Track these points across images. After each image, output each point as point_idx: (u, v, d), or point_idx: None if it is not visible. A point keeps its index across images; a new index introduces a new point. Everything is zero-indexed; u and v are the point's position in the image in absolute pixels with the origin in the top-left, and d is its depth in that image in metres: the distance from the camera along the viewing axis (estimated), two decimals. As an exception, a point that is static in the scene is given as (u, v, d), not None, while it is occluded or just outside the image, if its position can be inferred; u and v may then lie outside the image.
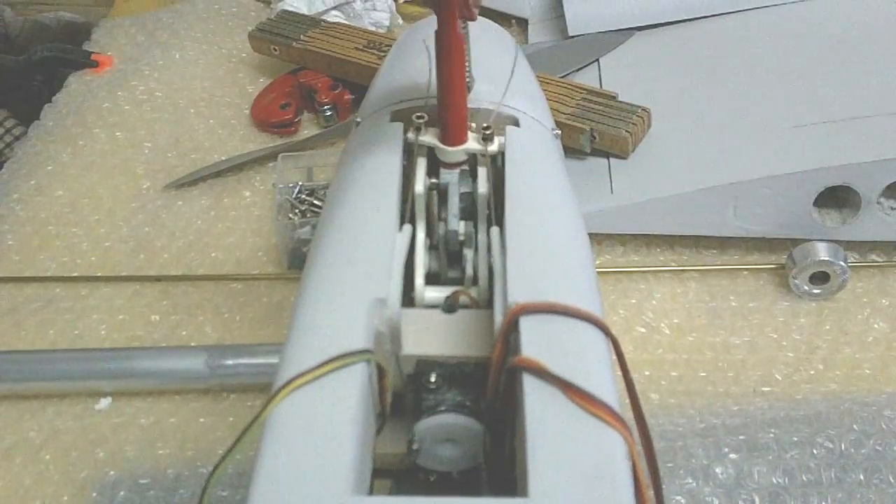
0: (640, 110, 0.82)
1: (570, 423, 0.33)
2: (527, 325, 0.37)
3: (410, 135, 0.46)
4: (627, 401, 0.38)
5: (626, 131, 0.80)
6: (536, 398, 0.34)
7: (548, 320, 0.37)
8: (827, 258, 0.71)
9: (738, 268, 0.76)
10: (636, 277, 0.76)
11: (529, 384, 0.34)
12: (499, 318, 0.38)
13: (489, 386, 0.38)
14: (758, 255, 0.77)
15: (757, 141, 0.78)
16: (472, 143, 0.46)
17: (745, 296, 0.74)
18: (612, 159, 0.81)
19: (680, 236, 0.78)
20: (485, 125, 0.46)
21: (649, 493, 0.34)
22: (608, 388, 0.35)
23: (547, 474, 0.31)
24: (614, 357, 0.38)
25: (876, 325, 0.71)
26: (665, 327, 0.72)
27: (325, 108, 0.94)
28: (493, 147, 0.46)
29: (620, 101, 0.84)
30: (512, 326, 0.37)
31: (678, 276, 0.76)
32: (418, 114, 0.47)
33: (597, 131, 0.81)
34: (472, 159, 0.47)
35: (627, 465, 0.33)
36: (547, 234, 0.43)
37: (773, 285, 0.75)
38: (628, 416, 0.36)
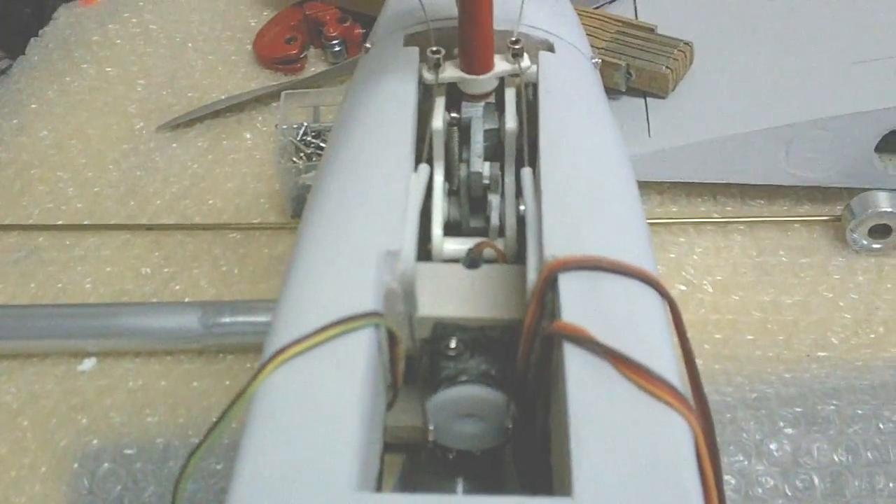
0: (681, 44, 0.77)
1: (624, 405, 0.29)
2: (567, 283, 0.32)
3: (428, 74, 0.42)
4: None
5: (667, 67, 0.75)
6: (581, 373, 0.29)
7: (592, 278, 0.33)
8: (889, 209, 0.68)
9: (789, 219, 0.72)
10: (675, 230, 0.72)
11: (572, 355, 0.30)
12: (532, 275, 0.34)
13: (520, 355, 0.34)
14: (810, 206, 0.74)
15: (812, 79, 0.73)
16: (502, 65, 0.42)
17: (796, 250, 0.70)
18: (649, 99, 0.77)
19: (724, 185, 0.74)
20: (513, 39, 0.42)
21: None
22: (668, 362, 0.31)
23: (595, 468, 0.27)
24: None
25: (942, 283, 0.67)
26: (708, 285, 0.68)
27: (334, 42, 0.91)
28: (524, 64, 0.42)
29: (659, 35, 0.79)
30: (548, 285, 0.33)
31: (722, 229, 0.72)
32: (433, 48, 0.42)
33: (633, 67, 0.76)
34: (499, 91, 0.43)
35: (693, 458, 0.28)
36: (589, 176, 0.38)
37: (828, 239, 0.71)
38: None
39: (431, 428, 0.34)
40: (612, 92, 0.77)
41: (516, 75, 0.42)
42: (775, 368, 0.62)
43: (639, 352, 0.30)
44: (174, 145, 0.83)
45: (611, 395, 0.29)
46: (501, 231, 0.40)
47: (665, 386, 0.29)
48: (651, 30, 0.79)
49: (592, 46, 0.75)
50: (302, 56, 0.91)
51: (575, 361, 0.30)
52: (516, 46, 0.42)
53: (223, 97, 0.87)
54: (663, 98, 0.76)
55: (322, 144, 0.77)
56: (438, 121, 0.40)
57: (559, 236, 0.34)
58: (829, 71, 0.74)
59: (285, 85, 0.87)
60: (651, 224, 0.71)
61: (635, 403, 0.29)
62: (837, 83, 0.72)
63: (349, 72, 0.87)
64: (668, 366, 0.30)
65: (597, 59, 0.51)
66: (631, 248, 0.35)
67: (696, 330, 0.65)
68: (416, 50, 0.44)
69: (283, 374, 0.30)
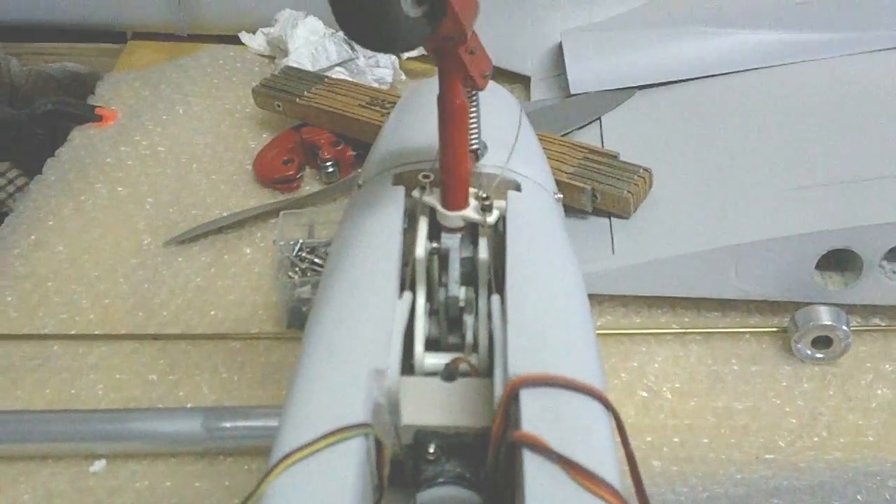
0: (641, 170, 0.82)
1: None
2: (527, 397, 0.36)
3: (415, 193, 0.46)
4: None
5: (628, 191, 0.80)
6: (537, 476, 0.34)
7: (548, 393, 0.37)
8: (829, 322, 0.71)
9: (741, 331, 0.76)
10: (638, 340, 0.76)
11: (530, 460, 0.34)
12: (499, 389, 0.38)
13: (489, 459, 0.38)
14: (760, 318, 0.77)
15: (758, 202, 0.78)
16: (471, 213, 0.46)
17: (747, 359, 0.74)
18: (613, 219, 0.81)
19: (682, 298, 0.78)
20: (484, 195, 0.46)
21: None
22: (610, 466, 0.35)
23: None
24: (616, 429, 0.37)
25: (879, 391, 0.71)
26: (667, 391, 0.72)
27: (328, 164, 0.95)
28: (491, 218, 0.46)
29: (622, 161, 0.84)
30: (512, 398, 0.37)
31: (680, 339, 0.76)
32: (424, 172, 0.47)
33: (598, 191, 0.81)
34: (473, 225, 0.47)
35: None
36: (548, 303, 0.43)
37: (776, 349, 0.74)
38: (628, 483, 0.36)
39: None
40: (579, 212, 0.81)
41: (482, 224, 0.45)
42: (727, 470, 0.65)
43: (586, 458, 0.34)
44: (179, 259, 0.86)
45: (561, 496, 0.33)
46: (475, 347, 0.43)
47: (607, 487, 0.33)
48: (614, 157, 0.85)
49: (561, 171, 0.82)
50: (298, 176, 0.95)
51: (532, 465, 0.34)
52: (486, 202, 0.46)
53: (225, 214, 0.90)
54: (626, 219, 0.80)
55: (316, 260, 0.80)
56: (421, 250, 0.44)
57: (521, 356, 0.38)
58: (773, 195, 0.78)
59: (282, 203, 0.90)
60: (616, 335, 0.76)
61: (582, 503, 0.33)
62: (781, 207, 0.76)
63: (342, 191, 0.92)
64: (611, 470, 0.34)
65: (559, 195, 0.55)
66: (582, 366, 0.39)
67: (656, 434, 0.68)
68: (402, 189, 0.48)
69: (287, 476, 0.34)
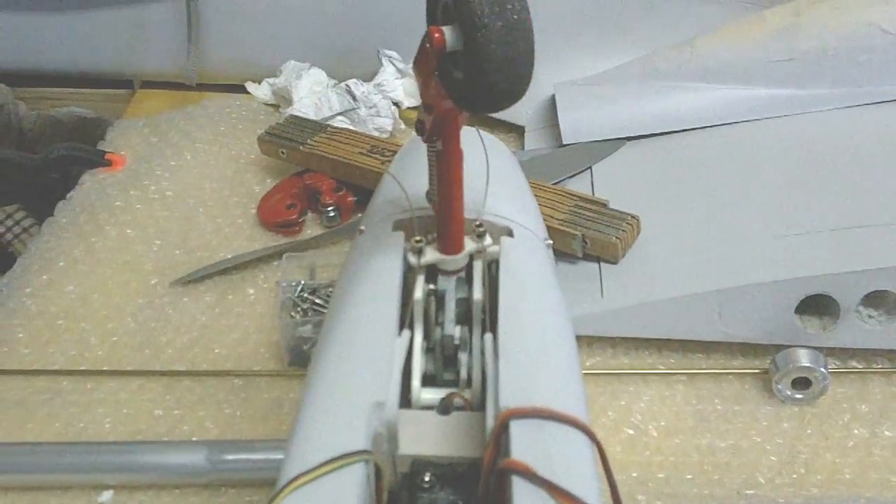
0: (629, 217, 0.85)
1: None
2: (516, 428, 0.39)
3: (412, 258, 0.49)
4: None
5: (616, 237, 0.83)
6: (525, 500, 0.36)
7: (536, 424, 0.39)
8: (808, 364, 0.74)
9: (724, 372, 0.78)
10: (625, 379, 0.78)
11: (518, 486, 0.36)
12: (490, 421, 0.40)
13: (480, 486, 0.40)
14: (743, 360, 0.80)
15: (741, 249, 0.81)
16: (469, 244, 0.49)
17: (730, 399, 0.76)
18: (602, 264, 0.84)
19: (668, 340, 0.80)
20: (477, 223, 0.49)
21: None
22: (591, 490, 0.37)
23: None
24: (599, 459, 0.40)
25: (856, 431, 0.73)
26: (653, 429, 0.74)
27: (329, 209, 0.97)
28: (487, 242, 0.49)
29: (611, 209, 0.87)
30: (502, 429, 0.39)
31: (666, 380, 0.78)
32: (416, 238, 0.49)
33: (588, 237, 0.84)
34: (468, 268, 0.50)
35: None
36: (537, 341, 0.45)
37: (758, 389, 0.77)
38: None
39: None
40: (570, 257, 0.84)
41: (481, 251, 0.49)
42: None
43: (569, 483, 0.36)
44: (185, 299, 0.88)
45: None
46: (469, 383, 0.45)
47: None
48: (604, 204, 0.88)
49: (552, 217, 0.85)
50: (300, 220, 0.97)
51: (520, 490, 0.36)
52: (480, 229, 0.49)
53: (230, 256, 0.93)
54: (615, 264, 0.83)
55: (317, 300, 0.83)
56: (419, 292, 0.47)
57: (512, 390, 0.41)
58: (755, 243, 0.81)
59: (285, 246, 0.93)
60: (604, 374, 0.78)
61: None
62: (762, 254, 0.79)
63: (343, 235, 0.96)
64: (593, 494, 0.37)
65: (549, 241, 0.58)
66: (568, 400, 0.42)
67: (642, 470, 0.70)
68: (401, 234, 0.51)
69: (293, 498, 0.36)
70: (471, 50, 0.39)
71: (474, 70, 0.39)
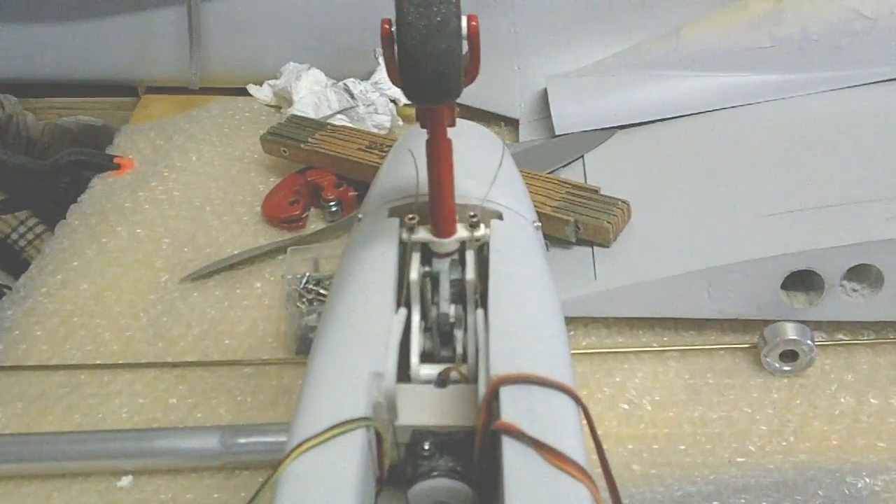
0: (620, 203, 0.88)
1: (543, 478, 0.38)
2: (506, 394, 0.41)
3: (405, 234, 0.51)
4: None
5: (608, 222, 0.86)
6: (514, 457, 0.39)
7: (525, 389, 0.42)
8: (795, 337, 0.76)
9: (715, 347, 0.81)
10: (620, 357, 0.81)
11: (508, 445, 0.39)
12: (482, 389, 0.43)
13: (476, 450, 0.43)
14: (733, 336, 0.82)
15: (728, 229, 0.84)
16: (462, 232, 0.51)
17: (721, 373, 0.79)
18: (595, 248, 0.87)
19: (660, 318, 0.83)
20: (471, 213, 0.51)
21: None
22: (577, 447, 0.40)
23: None
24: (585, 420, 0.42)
25: (843, 400, 0.76)
26: (647, 404, 0.77)
27: (331, 204, 1.00)
28: (479, 233, 0.51)
29: (603, 195, 0.90)
30: (493, 395, 0.42)
31: (659, 356, 0.81)
32: (410, 215, 0.51)
33: (581, 222, 0.87)
34: (461, 250, 0.52)
35: None
36: (525, 314, 0.48)
37: (747, 363, 0.80)
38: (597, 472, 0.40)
39: None
40: (563, 243, 0.87)
41: (474, 239, 0.51)
42: (701, 472, 0.70)
43: (556, 441, 0.39)
44: (195, 294, 0.91)
45: (534, 472, 0.38)
46: (465, 358, 0.47)
47: (573, 464, 0.38)
48: (595, 191, 0.91)
49: (546, 205, 0.88)
50: (304, 216, 1.00)
51: (510, 449, 0.39)
52: (474, 219, 0.51)
53: (236, 252, 0.95)
54: (607, 247, 0.86)
55: (322, 291, 0.86)
56: (414, 274, 0.49)
57: (502, 359, 0.43)
58: (741, 223, 0.84)
59: (289, 241, 0.95)
60: (600, 353, 0.81)
61: (551, 477, 0.38)
62: (748, 233, 0.82)
63: (345, 228, 0.98)
64: (579, 452, 0.40)
65: (538, 223, 0.59)
66: (554, 367, 0.44)
67: (637, 442, 0.73)
68: (397, 220, 0.52)
69: (300, 462, 0.39)
70: (399, 44, 0.43)
71: (402, 63, 0.43)
